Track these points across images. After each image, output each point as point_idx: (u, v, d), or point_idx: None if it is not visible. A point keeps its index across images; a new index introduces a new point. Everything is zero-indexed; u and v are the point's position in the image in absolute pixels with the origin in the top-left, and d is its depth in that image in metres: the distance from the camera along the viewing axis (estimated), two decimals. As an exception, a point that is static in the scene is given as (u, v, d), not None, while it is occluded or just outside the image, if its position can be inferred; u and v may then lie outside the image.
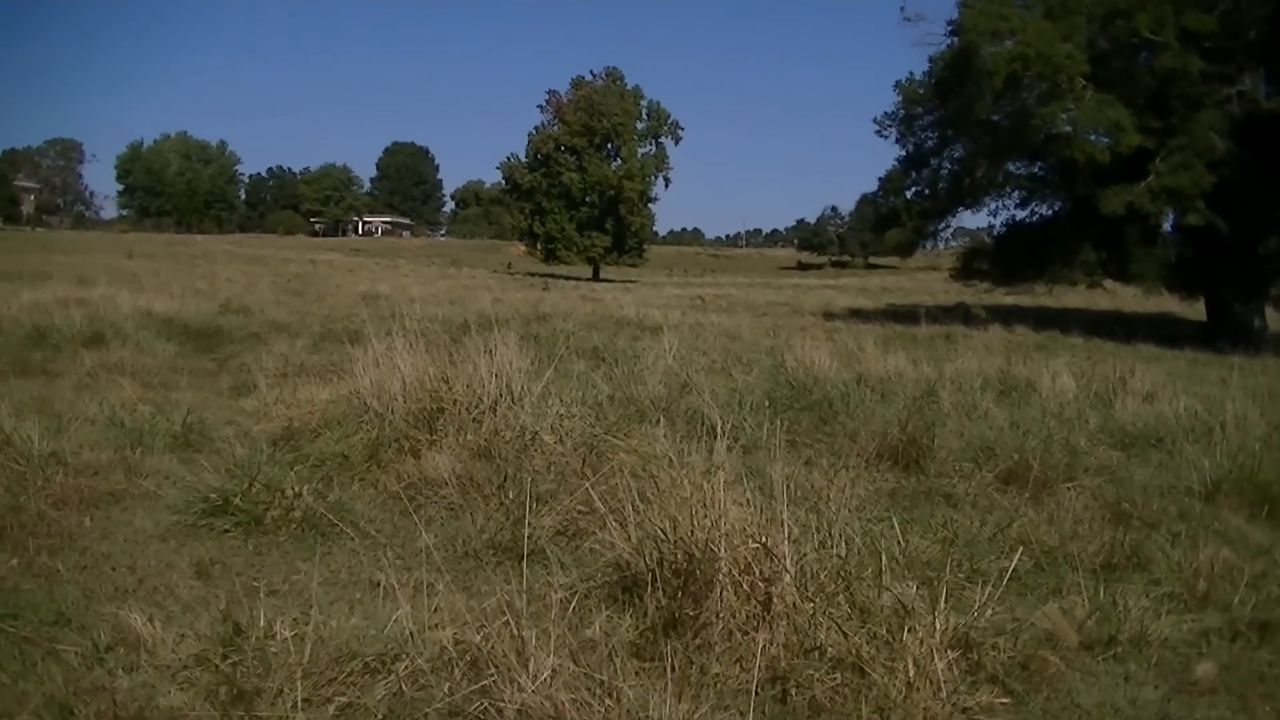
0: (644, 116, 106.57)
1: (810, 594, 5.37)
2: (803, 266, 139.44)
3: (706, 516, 5.54)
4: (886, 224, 48.55)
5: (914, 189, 43.77)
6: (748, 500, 5.77)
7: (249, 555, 7.04)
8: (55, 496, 7.84)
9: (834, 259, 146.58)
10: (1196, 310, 38.81)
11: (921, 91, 41.79)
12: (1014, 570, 5.83)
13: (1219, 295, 35.60)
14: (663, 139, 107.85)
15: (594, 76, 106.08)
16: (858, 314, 40.23)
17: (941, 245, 58.84)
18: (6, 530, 7.04)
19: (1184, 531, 7.85)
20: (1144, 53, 33.03)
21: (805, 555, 5.56)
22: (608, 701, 4.24)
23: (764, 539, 5.42)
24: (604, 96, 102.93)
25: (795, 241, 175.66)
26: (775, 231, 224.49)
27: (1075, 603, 6.24)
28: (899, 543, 6.50)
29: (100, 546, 7.07)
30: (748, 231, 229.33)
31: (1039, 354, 19.92)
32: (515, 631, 4.61)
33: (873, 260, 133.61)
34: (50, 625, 5.55)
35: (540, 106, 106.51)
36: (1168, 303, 42.62)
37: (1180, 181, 30.70)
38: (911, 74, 44.01)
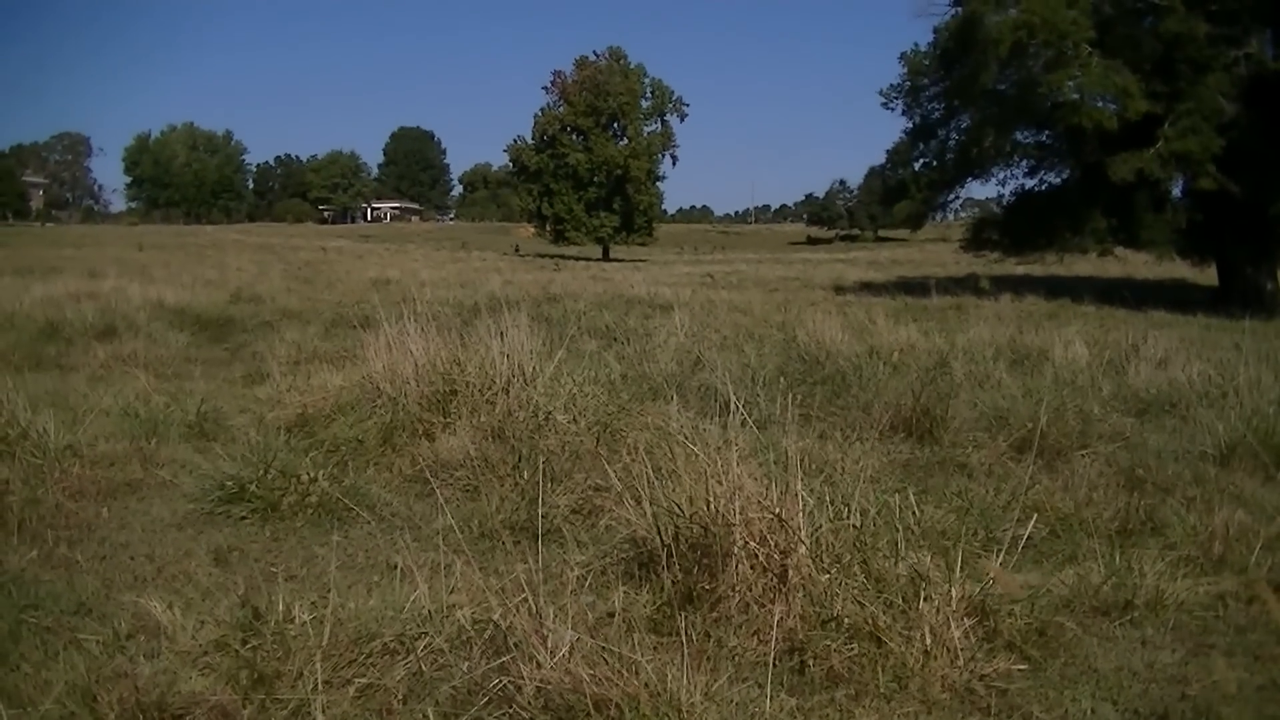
0: (648, 95, 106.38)
1: (826, 565, 5.38)
2: (812, 241, 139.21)
3: (721, 490, 5.55)
4: (895, 196, 48.50)
5: (921, 161, 43.60)
6: (762, 474, 5.77)
7: (266, 541, 7.07)
8: (72, 488, 7.87)
9: (843, 233, 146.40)
10: (1208, 276, 38.65)
11: (927, 63, 41.59)
12: (1029, 537, 5.84)
13: (1230, 260, 35.43)
14: (668, 116, 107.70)
15: (597, 56, 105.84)
16: (868, 287, 40.17)
17: (951, 216, 58.80)
18: (25, 522, 7.07)
19: (1199, 495, 7.84)
20: (1149, 17, 32.81)
21: (820, 527, 5.57)
22: (626, 675, 4.25)
23: (779, 511, 5.43)
24: (608, 76, 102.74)
25: (804, 216, 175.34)
26: (784, 207, 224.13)
27: (1091, 568, 6.24)
28: (914, 513, 6.50)
29: (118, 536, 7.11)
30: (756, 208, 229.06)
31: (1050, 323, 19.87)
32: (533, 608, 4.63)
33: (882, 233, 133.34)
34: (71, 614, 5.58)
35: (545, 88, 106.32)
36: (1179, 269, 42.45)
37: (1189, 146, 30.53)
38: (916, 45, 43.88)
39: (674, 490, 5.92)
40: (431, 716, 4.43)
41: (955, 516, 6.93)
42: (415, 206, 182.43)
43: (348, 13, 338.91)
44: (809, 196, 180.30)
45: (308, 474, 7.74)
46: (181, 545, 6.94)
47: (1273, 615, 5.73)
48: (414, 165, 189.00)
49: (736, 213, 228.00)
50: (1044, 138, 38.75)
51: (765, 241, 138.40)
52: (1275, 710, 4.71)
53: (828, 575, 5.30)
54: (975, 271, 40.41)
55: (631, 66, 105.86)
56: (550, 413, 9.08)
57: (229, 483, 7.66)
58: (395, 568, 5.85)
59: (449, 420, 9.13)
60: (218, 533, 7.19)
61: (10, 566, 6.30)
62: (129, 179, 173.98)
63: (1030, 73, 33.24)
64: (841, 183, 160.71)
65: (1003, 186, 45.06)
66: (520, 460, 8.03)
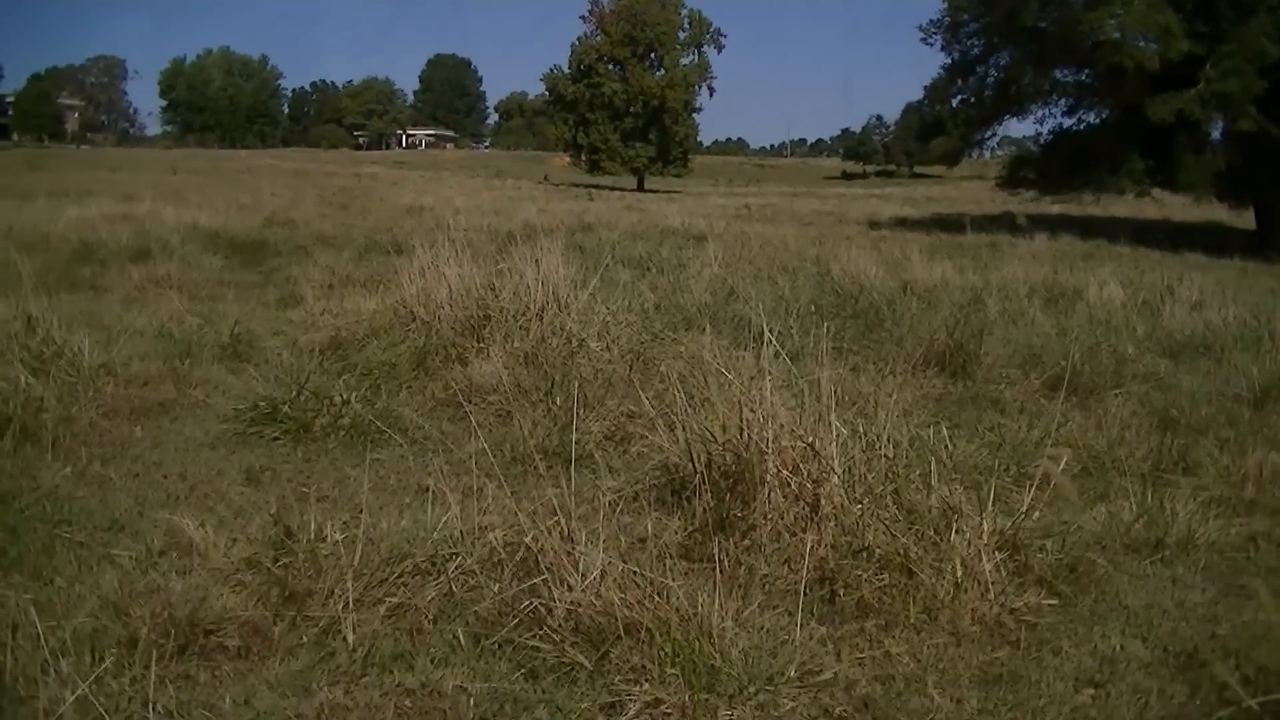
0: (685, 25, 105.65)
1: (858, 496, 5.38)
2: (847, 176, 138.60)
3: (754, 419, 5.54)
4: (932, 133, 48.03)
5: (959, 97, 43.16)
6: (795, 403, 5.76)
7: (298, 462, 7.10)
8: (106, 407, 7.91)
9: (879, 168, 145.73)
10: (1245, 219, 38.25)
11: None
12: (1062, 474, 5.81)
13: (1268, 203, 35.09)
14: (705, 48, 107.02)
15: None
16: (903, 223, 39.93)
17: (987, 154, 58.30)
18: (60, 440, 7.11)
19: (1232, 437, 7.81)
20: (1193, -45, 32.39)
21: (853, 457, 5.56)
22: (657, 599, 4.26)
23: (811, 441, 5.43)
24: (645, 6, 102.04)
25: (840, 151, 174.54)
26: (820, 141, 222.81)
27: (1123, 506, 6.23)
28: (946, 446, 6.50)
29: (151, 455, 7.15)
30: (792, 141, 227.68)
31: (1086, 263, 19.76)
32: (565, 531, 4.63)
33: (918, 170, 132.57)
34: (104, 531, 5.63)
35: (582, 17, 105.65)
36: (1216, 211, 42.03)
37: (1230, 87, 30.18)
38: (958, -21, 43.39)
39: (707, 418, 5.92)
40: (462, 637, 4.46)
41: (988, 451, 6.92)
42: (450, 134, 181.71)
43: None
44: (845, 131, 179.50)
45: (340, 396, 7.76)
46: (214, 464, 6.98)
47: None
48: (450, 93, 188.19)
49: (772, 146, 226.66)
50: (1083, 77, 38.33)
51: (800, 176, 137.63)
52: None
53: (859, 506, 5.30)
54: (1011, 210, 40.10)
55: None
56: (584, 340, 9.09)
57: (262, 403, 7.69)
58: (427, 490, 5.85)
59: (482, 345, 9.14)
60: (250, 453, 7.23)
61: (45, 483, 6.35)
62: (164, 103, 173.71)
63: (1072, 10, 32.88)
64: (878, 118, 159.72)
65: (1040, 125, 44.76)
66: (553, 386, 8.03)
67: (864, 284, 14.12)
